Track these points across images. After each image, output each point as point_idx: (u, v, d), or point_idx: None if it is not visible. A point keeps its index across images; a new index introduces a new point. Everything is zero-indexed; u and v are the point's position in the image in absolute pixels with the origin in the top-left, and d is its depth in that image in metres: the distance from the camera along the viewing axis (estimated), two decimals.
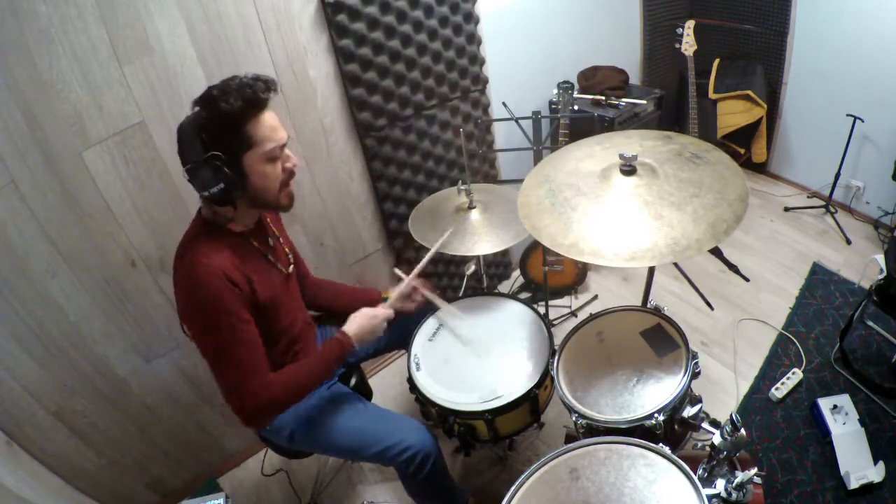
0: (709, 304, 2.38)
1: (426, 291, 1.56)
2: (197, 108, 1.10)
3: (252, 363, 1.16)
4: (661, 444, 1.04)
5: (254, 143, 1.11)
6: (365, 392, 1.62)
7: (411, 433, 1.35)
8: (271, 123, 1.13)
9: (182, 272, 1.14)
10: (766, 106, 2.69)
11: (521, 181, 1.44)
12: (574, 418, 1.29)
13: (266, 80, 1.11)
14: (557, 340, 1.47)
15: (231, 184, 1.10)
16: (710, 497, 1.02)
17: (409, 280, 1.51)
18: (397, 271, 1.65)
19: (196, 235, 1.19)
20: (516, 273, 2.67)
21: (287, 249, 1.41)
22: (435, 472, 1.37)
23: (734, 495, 1.08)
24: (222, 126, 1.07)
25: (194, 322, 1.15)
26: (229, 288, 1.12)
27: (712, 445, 1.11)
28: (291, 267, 1.40)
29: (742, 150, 2.91)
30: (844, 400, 1.79)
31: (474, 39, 2.02)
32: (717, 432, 1.11)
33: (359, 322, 1.33)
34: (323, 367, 1.27)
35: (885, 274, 1.72)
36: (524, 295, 2.61)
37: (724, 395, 2.00)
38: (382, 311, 1.37)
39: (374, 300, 1.53)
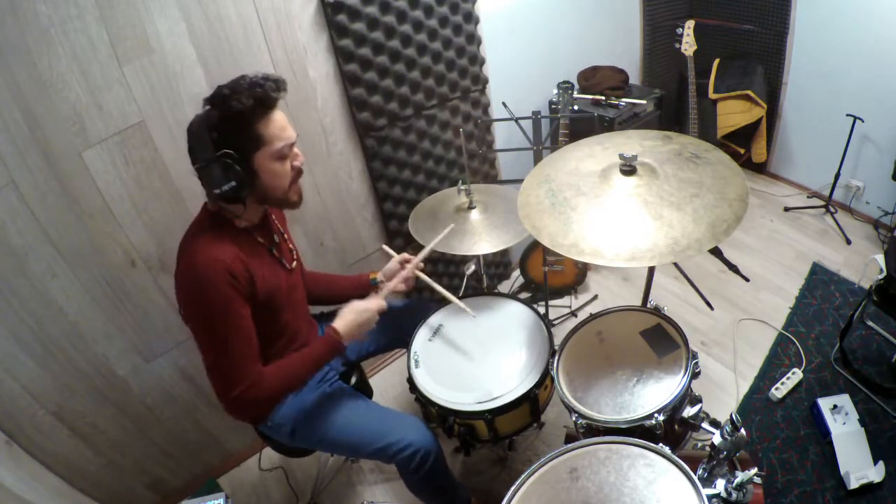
0: (709, 304, 2.38)
1: (423, 276, 1.55)
2: (208, 107, 1.11)
3: (244, 354, 1.16)
4: (661, 444, 1.04)
5: (264, 142, 1.12)
6: (365, 391, 1.62)
7: (411, 431, 1.35)
8: (281, 122, 1.14)
9: (184, 263, 1.15)
10: (765, 106, 2.68)
11: (521, 181, 1.44)
12: (574, 418, 1.29)
13: (276, 79, 1.12)
14: (557, 340, 1.47)
15: (242, 182, 1.11)
16: (710, 497, 1.02)
17: (401, 275, 1.51)
18: (385, 248, 1.63)
19: (201, 228, 1.20)
20: (516, 273, 2.66)
21: (291, 246, 1.43)
22: (435, 470, 1.37)
23: (734, 495, 1.08)
24: (233, 125, 1.08)
25: (192, 312, 1.16)
26: (229, 280, 1.12)
27: (712, 445, 1.11)
28: (295, 263, 1.40)
29: (742, 150, 2.90)
30: (844, 400, 1.79)
31: (474, 39, 2.02)
32: (717, 432, 1.11)
33: (348, 317, 1.32)
34: (311, 364, 1.27)
35: (885, 274, 1.72)
36: (524, 295, 2.61)
37: (724, 395, 2.00)
38: (374, 304, 1.36)
39: (364, 285, 1.55)
